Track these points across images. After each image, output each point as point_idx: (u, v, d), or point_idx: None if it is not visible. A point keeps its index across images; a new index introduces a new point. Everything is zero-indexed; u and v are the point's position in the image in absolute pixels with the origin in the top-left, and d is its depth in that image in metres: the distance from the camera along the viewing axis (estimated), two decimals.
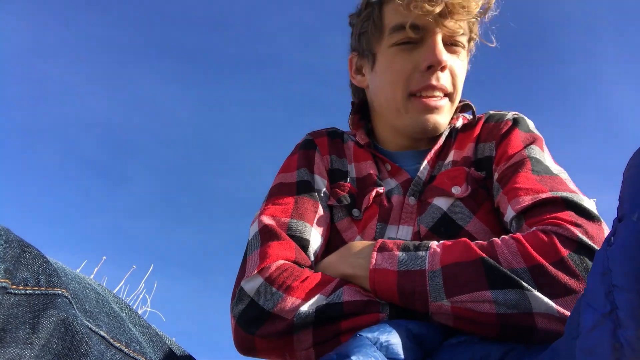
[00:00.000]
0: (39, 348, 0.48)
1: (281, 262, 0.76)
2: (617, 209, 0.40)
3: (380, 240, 0.73)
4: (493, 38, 1.00)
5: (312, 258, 0.82)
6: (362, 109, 1.06)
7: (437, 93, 0.90)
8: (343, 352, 0.54)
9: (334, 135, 1.03)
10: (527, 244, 0.64)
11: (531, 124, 0.92)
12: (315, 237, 0.84)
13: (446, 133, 0.95)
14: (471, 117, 0.98)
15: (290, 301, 0.70)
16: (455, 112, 0.98)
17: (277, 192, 0.90)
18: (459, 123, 0.98)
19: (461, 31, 0.89)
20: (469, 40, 0.94)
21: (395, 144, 0.99)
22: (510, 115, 0.94)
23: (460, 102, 1.00)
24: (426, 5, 0.85)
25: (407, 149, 0.97)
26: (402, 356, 0.56)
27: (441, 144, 0.94)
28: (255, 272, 0.75)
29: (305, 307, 0.68)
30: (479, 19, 0.93)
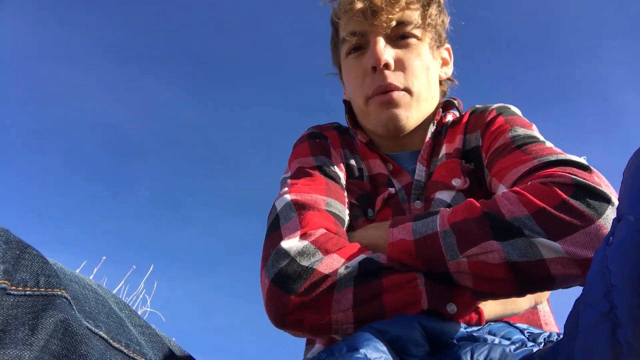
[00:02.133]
0: (38, 349, 0.48)
1: (324, 230, 0.73)
2: (617, 209, 0.40)
3: (395, 218, 0.74)
4: (447, 19, 1.00)
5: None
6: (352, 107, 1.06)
7: (390, 90, 0.90)
8: (352, 344, 0.54)
9: (341, 131, 1.03)
10: (527, 193, 0.64)
11: (517, 110, 0.92)
12: (347, 218, 0.83)
13: (432, 130, 0.95)
14: (458, 112, 0.99)
15: (333, 260, 0.68)
16: (437, 108, 0.98)
17: (302, 174, 0.86)
18: (449, 119, 0.98)
19: (393, 23, 0.88)
20: (425, 29, 0.93)
21: (386, 147, 0.99)
22: (495, 105, 0.94)
23: (445, 100, 1.01)
24: (347, 7, 0.89)
25: (398, 151, 0.97)
26: (411, 351, 0.56)
27: (430, 142, 0.94)
28: (298, 234, 0.71)
29: (347, 264, 0.67)
30: (420, 4, 0.92)
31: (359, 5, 0.88)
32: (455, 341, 0.61)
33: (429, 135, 0.94)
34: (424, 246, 0.66)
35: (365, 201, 0.89)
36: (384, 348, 0.54)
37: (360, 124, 1.02)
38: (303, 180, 0.84)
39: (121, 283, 2.97)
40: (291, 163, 0.92)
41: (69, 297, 0.54)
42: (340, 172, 0.91)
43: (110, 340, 0.58)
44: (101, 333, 0.57)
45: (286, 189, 0.82)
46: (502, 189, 0.75)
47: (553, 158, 0.71)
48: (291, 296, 0.65)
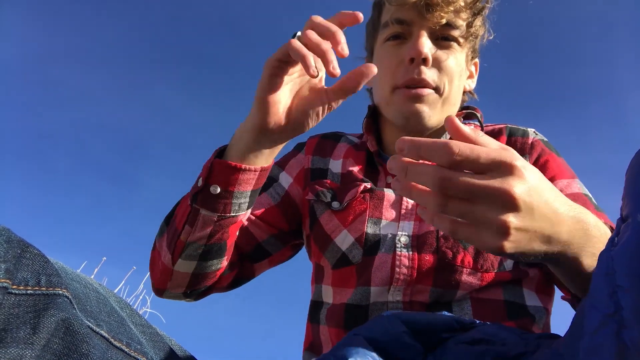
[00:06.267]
0: (39, 348, 0.48)
1: None
2: (620, 209, 0.40)
3: None
4: (489, 32, 0.99)
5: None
6: (375, 112, 1.04)
7: (421, 86, 0.89)
8: (340, 353, 0.54)
9: (327, 137, 1.04)
10: None
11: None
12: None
13: (448, 137, 0.94)
14: (479, 124, 0.96)
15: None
16: (458, 117, 0.96)
17: None
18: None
19: (444, 21, 0.87)
20: (467, 37, 0.92)
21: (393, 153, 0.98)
22: (532, 132, 0.94)
23: (464, 108, 1.00)
24: None
25: None
26: (400, 355, 0.56)
27: None
28: None
29: None
30: (470, 12, 0.91)
31: None
32: (449, 340, 0.60)
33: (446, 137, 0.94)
34: None
35: (327, 196, 0.90)
36: (374, 354, 0.54)
37: (383, 117, 1.00)
38: None
39: (121, 284, 2.97)
40: None
41: (70, 296, 0.54)
42: (286, 177, 0.98)
43: (112, 340, 0.58)
44: (102, 332, 0.57)
45: None
46: None
47: None
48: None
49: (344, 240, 0.84)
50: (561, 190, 0.77)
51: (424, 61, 0.87)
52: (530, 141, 0.91)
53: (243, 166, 0.70)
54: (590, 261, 0.54)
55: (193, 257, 0.77)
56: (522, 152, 0.89)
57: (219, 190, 0.70)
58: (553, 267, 0.57)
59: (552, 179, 0.84)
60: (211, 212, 0.72)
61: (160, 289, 0.84)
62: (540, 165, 0.87)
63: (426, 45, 0.87)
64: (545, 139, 0.93)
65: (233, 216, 0.74)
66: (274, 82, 0.64)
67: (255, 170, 0.71)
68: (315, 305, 0.89)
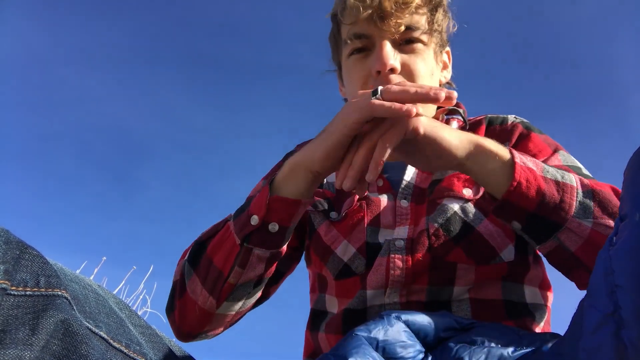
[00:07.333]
0: (38, 349, 0.48)
1: None
2: (619, 208, 0.40)
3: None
4: (453, 22, 0.98)
5: None
6: None
7: None
8: (340, 353, 0.54)
9: None
10: None
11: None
12: None
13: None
14: (462, 119, 0.95)
15: None
16: (440, 114, 0.96)
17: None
18: (454, 126, 0.94)
19: (402, 28, 0.86)
20: (431, 34, 0.90)
21: None
22: (512, 117, 0.93)
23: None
24: (354, 12, 0.85)
25: (396, 159, 0.96)
26: (401, 354, 0.56)
27: None
28: None
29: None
30: (428, 8, 0.89)
31: (367, 10, 0.85)
32: (449, 340, 0.60)
33: None
34: (551, 188, 0.65)
35: (325, 206, 0.89)
36: (374, 354, 0.53)
37: None
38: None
39: (121, 284, 2.97)
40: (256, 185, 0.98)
41: (69, 297, 0.54)
42: None
43: (111, 341, 0.58)
44: (101, 333, 0.57)
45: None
46: None
47: None
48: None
49: (345, 250, 0.84)
50: None
51: (392, 70, 0.86)
52: (509, 127, 0.91)
53: (303, 201, 0.70)
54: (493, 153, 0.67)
55: (240, 297, 0.77)
56: (502, 139, 0.87)
57: (277, 227, 0.69)
58: (467, 169, 0.68)
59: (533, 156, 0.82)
60: (265, 249, 0.71)
61: (192, 333, 0.82)
62: (522, 146, 0.86)
63: (390, 56, 0.85)
64: (526, 121, 0.92)
65: (282, 249, 0.74)
66: (347, 141, 0.67)
67: (308, 204, 0.71)
68: (318, 314, 0.88)
